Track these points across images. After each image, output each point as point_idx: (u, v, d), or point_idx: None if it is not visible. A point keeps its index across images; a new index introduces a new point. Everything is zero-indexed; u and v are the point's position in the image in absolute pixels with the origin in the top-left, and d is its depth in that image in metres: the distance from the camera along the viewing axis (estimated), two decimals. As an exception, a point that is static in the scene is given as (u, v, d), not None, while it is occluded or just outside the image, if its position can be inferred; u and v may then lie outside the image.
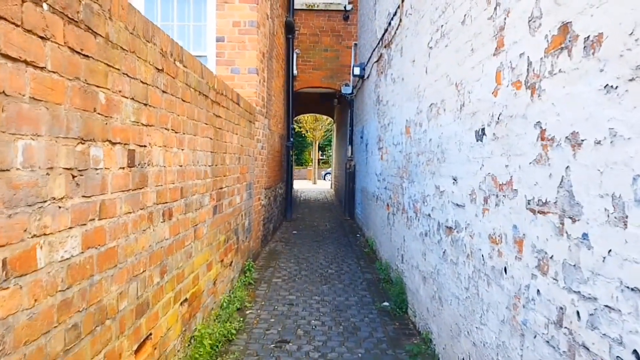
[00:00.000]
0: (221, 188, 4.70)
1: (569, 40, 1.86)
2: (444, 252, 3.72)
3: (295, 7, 12.35)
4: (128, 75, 2.37)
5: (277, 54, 9.51)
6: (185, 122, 3.39)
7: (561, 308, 1.91)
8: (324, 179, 35.44)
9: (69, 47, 1.81)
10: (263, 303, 5.40)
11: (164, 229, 2.96)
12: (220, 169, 4.62)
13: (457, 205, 3.37)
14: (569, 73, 1.86)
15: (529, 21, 2.22)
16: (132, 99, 2.43)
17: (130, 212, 2.40)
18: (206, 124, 4.03)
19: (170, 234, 3.08)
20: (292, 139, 11.88)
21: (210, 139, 4.20)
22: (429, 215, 4.20)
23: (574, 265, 1.81)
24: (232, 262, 5.40)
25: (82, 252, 1.92)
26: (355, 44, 12.50)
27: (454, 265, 3.45)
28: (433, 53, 4.08)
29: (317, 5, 12.97)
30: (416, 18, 4.80)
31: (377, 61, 7.81)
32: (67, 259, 1.80)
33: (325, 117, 29.60)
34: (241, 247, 6.04)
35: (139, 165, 2.51)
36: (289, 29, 11.07)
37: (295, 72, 12.55)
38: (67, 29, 1.80)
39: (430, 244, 4.17)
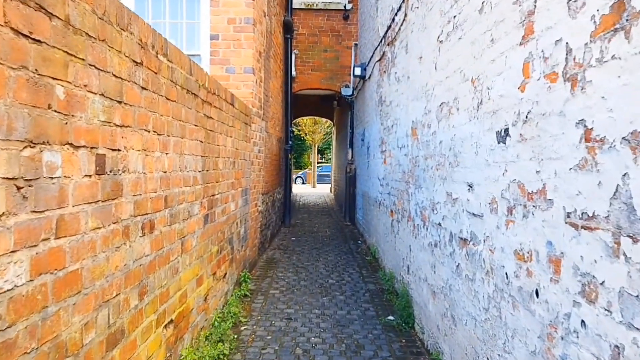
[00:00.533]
0: (213, 195, 4.36)
1: (627, 19, 1.53)
2: (457, 266, 3.38)
3: (294, 6, 12.04)
4: (97, 67, 2.03)
5: (274, 53, 9.19)
6: (171, 123, 3.06)
7: (617, 347, 1.57)
8: (295, 182, 34.94)
9: (12, 29, 1.48)
10: (259, 318, 5.05)
11: (144, 244, 2.62)
12: (212, 175, 4.28)
13: (474, 214, 3.03)
14: (626, 59, 1.53)
15: (568, 1, 1.89)
16: (102, 94, 2.09)
17: (99, 228, 2.06)
18: (196, 125, 3.70)
19: (151, 249, 2.73)
20: (290, 142, 11.55)
21: (201, 142, 3.87)
22: (440, 224, 3.86)
23: (637, 297, 1.47)
24: (226, 274, 5.05)
25: (31, 280, 1.58)
26: (356, 44, 12.19)
27: (469, 282, 3.11)
28: (444, 47, 3.75)
29: (316, 5, 12.66)
30: (423, 11, 4.48)
31: (379, 60, 7.49)
32: (8, 290, 1.46)
33: (324, 119, 29.30)
34: (236, 257, 5.70)
35: (110, 172, 2.17)
36: (287, 28, 10.75)
37: (293, 73, 12.24)
38: (9, 5, 1.46)
39: (440, 256, 3.83)
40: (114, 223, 2.22)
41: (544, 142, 2.09)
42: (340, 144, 17.63)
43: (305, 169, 46.63)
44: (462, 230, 3.28)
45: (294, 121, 28.38)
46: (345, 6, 12.70)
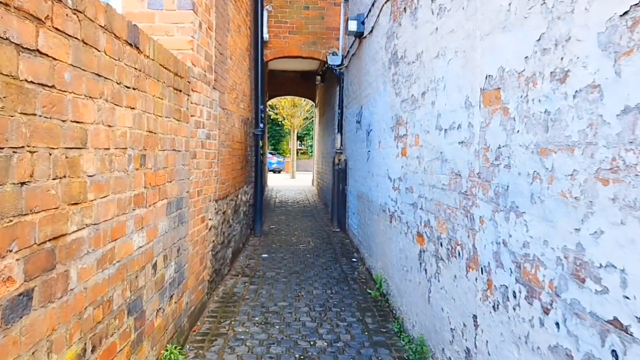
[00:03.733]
0: (53, 240, 1.94)
1: None
2: None
3: (266, -53, 9.55)
4: None
5: (236, -2, 6.71)
6: None
7: None
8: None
9: None
10: None
11: None
12: (47, 192, 1.86)
13: None
14: None
15: None
16: None
17: None
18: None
19: None
20: (262, 125, 9.11)
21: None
22: None
23: None
24: (119, 377, 2.65)
25: None
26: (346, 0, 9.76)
27: None
28: None
29: (295, -52, 10.16)
30: None
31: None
32: None
33: (304, 101, 26.85)
34: (152, 325, 3.29)
35: None
36: (257, -29, 8.27)
37: (265, 35, 9.77)
38: None
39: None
40: None
41: None
42: (324, 128, 15.23)
43: (284, 156, 44.18)
44: None
45: (270, 102, 25.82)
46: (332, -50, 10.23)
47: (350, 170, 8.84)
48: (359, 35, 7.28)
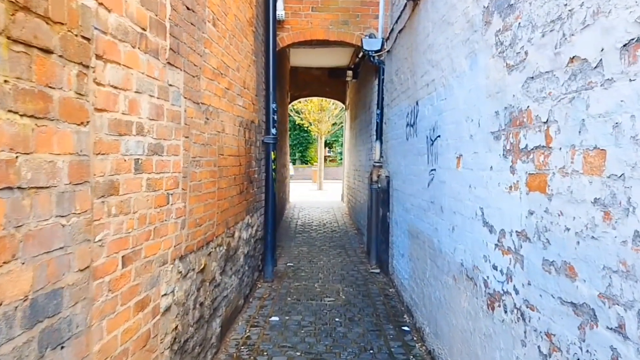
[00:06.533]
0: None
1: None
2: None
3: None
4: None
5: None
6: None
7: None
8: None
9: None
10: None
11: None
12: None
13: None
14: None
15: None
16: None
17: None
18: None
19: None
20: (274, 131, 6.95)
21: None
22: None
23: None
24: None
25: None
26: (388, -36, 7.54)
27: None
28: None
29: None
30: None
31: None
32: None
33: (332, 104, 24.70)
34: None
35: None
36: None
37: (281, 13, 7.65)
38: None
39: None
40: None
41: None
42: (357, 134, 12.98)
43: (312, 163, 42.18)
44: None
45: (294, 106, 23.72)
46: None
47: (396, 193, 6.57)
48: (414, -4, 5.04)
